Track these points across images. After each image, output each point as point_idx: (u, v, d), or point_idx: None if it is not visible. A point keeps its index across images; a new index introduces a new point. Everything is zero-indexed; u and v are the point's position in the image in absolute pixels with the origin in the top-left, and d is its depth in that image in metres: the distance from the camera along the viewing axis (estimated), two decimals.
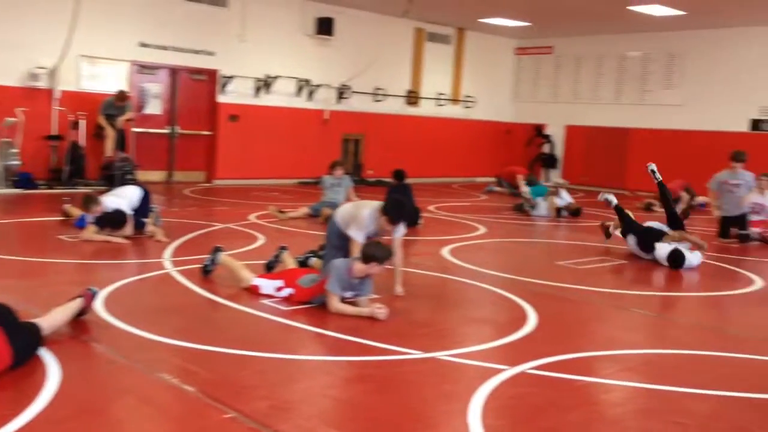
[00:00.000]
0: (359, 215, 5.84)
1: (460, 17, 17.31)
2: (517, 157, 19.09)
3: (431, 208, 12.12)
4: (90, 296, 4.75)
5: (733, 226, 10.24)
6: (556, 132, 19.42)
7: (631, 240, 8.54)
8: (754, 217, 10.50)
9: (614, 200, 9.38)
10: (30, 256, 6.91)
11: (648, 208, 13.68)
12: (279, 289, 5.64)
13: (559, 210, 12.21)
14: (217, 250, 6.29)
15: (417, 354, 4.48)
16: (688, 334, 5.52)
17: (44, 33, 12.42)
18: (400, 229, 5.93)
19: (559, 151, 19.40)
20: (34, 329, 4.07)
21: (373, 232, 5.85)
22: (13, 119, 11.90)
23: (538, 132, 19.51)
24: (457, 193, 15.70)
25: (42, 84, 12.54)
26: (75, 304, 4.61)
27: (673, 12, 14.61)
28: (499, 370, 4.19)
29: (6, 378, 3.70)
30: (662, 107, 17.38)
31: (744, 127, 16.11)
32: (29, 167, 12.18)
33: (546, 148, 19.41)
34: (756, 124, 15.97)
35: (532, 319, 5.42)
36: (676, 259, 7.85)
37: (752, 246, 9.97)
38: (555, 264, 7.93)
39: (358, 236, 5.76)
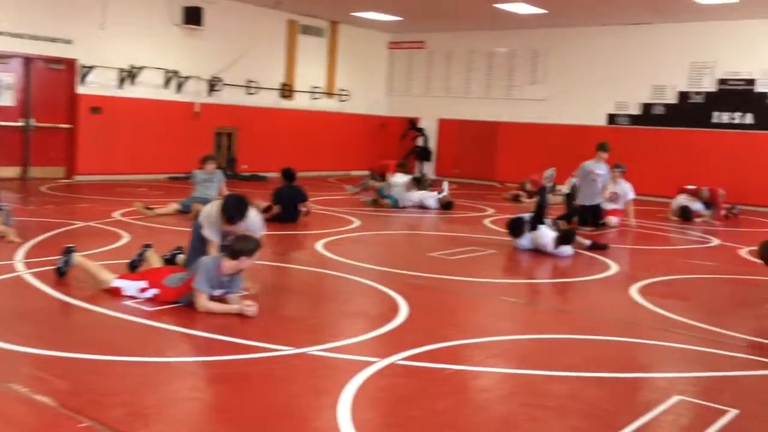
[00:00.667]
0: (211, 213, 5.70)
1: (333, 10, 17.28)
2: (392, 150, 19.33)
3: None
4: None
5: (588, 215, 10.82)
6: (429, 125, 19.84)
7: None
8: (610, 206, 11.17)
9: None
10: None
11: (515, 198, 14.26)
12: (143, 290, 5.39)
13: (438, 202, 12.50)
14: (69, 250, 5.90)
15: (287, 350, 4.41)
16: (551, 320, 5.77)
17: None
18: (242, 227, 5.58)
19: (433, 144, 19.84)
20: None
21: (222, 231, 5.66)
22: None
23: (412, 125, 19.85)
24: (333, 187, 15.69)
25: None
26: None
27: (536, 10, 15.26)
28: (370, 363, 4.20)
29: None
30: (528, 102, 18.15)
31: (602, 121, 17.10)
32: None
33: (420, 142, 19.79)
34: (612, 118, 16.99)
35: (404, 311, 5.49)
36: (566, 238, 8.26)
37: (608, 233, 10.59)
38: (427, 255, 8.08)
39: (211, 235, 5.60)
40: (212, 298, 5.21)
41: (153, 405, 3.55)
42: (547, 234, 8.33)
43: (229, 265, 5.16)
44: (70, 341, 4.40)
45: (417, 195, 12.53)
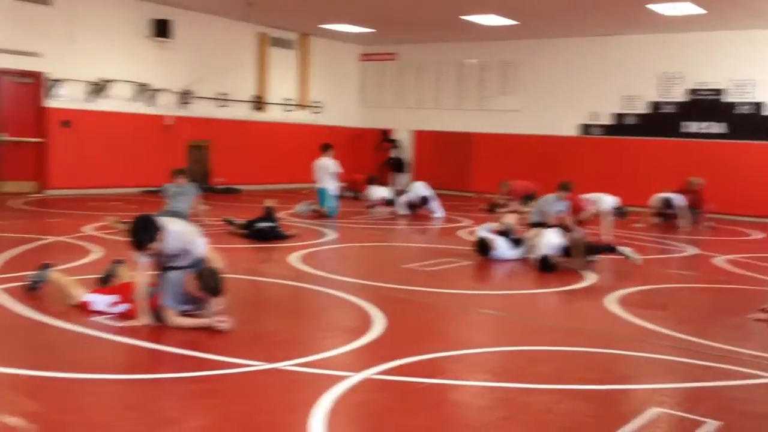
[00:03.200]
0: None
1: (303, 23, 17.27)
2: (366, 161, 19.32)
3: (281, 214, 11.96)
4: None
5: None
6: (403, 137, 19.87)
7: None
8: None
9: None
10: None
11: (492, 209, 14.25)
12: (114, 304, 5.30)
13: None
14: (46, 266, 5.82)
15: (260, 365, 4.35)
16: (527, 331, 5.75)
17: None
18: (169, 243, 5.25)
19: (408, 155, 19.86)
20: None
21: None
22: None
23: (385, 137, 19.87)
24: (307, 199, 15.60)
25: None
26: None
27: (507, 22, 15.38)
28: (345, 377, 4.15)
29: None
30: (501, 112, 18.27)
31: (574, 131, 17.25)
32: None
33: (394, 153, 19.81)
34: (585, 128, 17.15)
35: (380, 324, 5.44)
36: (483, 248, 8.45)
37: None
38: (402, 267, 8.05)
39: (137, 257, 5.22)
40: (183, 314, 5.13)
41: (123, 425, 3.47)
42: (552, 239, 8.29)
43: (192, 286, 5.09)
44: (40, 359, 4.30)
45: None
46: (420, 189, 13.36)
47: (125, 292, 5.37)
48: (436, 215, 12.92)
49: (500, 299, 6.94)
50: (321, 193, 12.75)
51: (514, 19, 15.18)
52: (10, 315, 5.28)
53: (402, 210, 12.90)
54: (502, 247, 8.64)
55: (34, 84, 13.84)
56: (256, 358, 4.45)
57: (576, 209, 10.33)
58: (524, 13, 14.59)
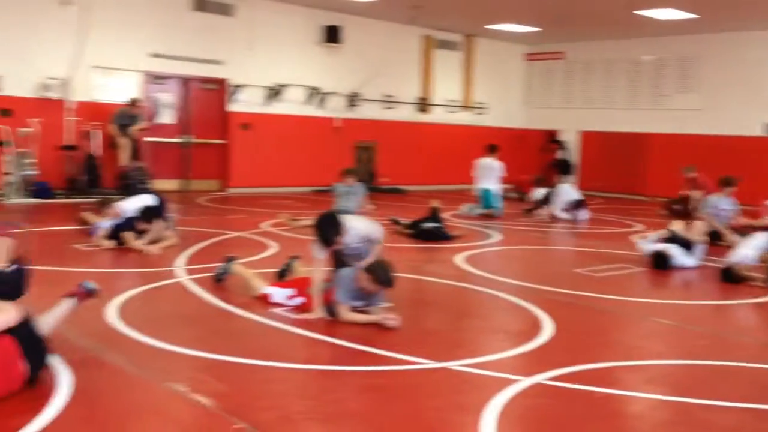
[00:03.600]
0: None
1: (468, 24, 17.26)
2: (530, 163, 18.99)
3: (446, 215, 12.06)
4: (83, 293, 4.41)
5: None
6: (569, 138, 19.30)
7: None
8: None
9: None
10: (46, 265, 6.87)
11: (678, 210, 13.24)
12: (290, 297, 5.59)
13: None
14: (231, 259, 6.27)
15: (429, 364, 4.41)
16: (708, 344, 5.39)
17: (55, 44, 12.49)
18: (351, 238, 5.60)
19: (574, 156, 19.28)
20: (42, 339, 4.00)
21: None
22: (27, 129, 11.96)
23: (551, 138, 19.40)
24: (472, 200, 15.57)
25: (54, 95, 12.59)
26: (66, 305, 4.32)
27: (686, 15, 14.49)
28: (514, 381, 4.11)
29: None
30: (679, 111, 17.23)
31: (760, 131, 15.93)
32: (46, 177, 12.24)
33: (560, 154, 19.29)
34: None
35: (549, 328, 5.33)
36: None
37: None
38: (572, 271, 7.83)
39: (316, 252, 5.48)
40: (354, 309, 5.31)
41: (301, 411, 3.66)
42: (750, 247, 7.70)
43: (365, 280, 5.25)
44: (225, 345, 4.62)
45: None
46: (571, 192, 12.84)
47: (301, 286, 5.65)
48: (580, 218, 12.32)
49: (679, 309, 6.53)
50: (485, 194, 12.69)
51: (693, 13, 14.27)
52: (199, 303, 5.72)
53: (559, 213, 12.44)
54: (678, 255, 8.14)
55: (219, 90, 14.93)
56: (425, 357, 4.51)
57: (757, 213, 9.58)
58: (705, 5, 13.67)
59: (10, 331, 3.69)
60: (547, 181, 14.39)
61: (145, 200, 8.39)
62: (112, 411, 3.57)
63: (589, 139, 18.96)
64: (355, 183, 10.72)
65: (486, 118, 19.21)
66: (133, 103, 12.96)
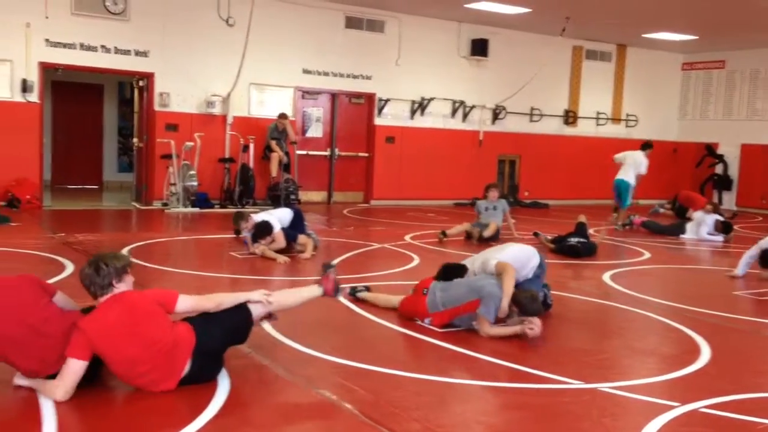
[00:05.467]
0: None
1: (622, 33, 16.66)
2: (685, 178, 18.01)
3: (591, 231, 11.69)
4: (331, 286, 4.65)
5: None
6: (729, 151, 18.10)
7: None
8: None
9: None
10: (203, 271, 7.38)
11: None
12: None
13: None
14: (357, 290, 6.16)
15: (576, 384, 4.29)
16: None
17: (218, 63, 13.37)
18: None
19: (734, 171, 18.05)
20: (240, 310, 4.13)
21: None
22: (191, 143, 12.88)
23: (709, 151, 18.29)
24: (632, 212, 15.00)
25: (217, 111, 13.49)
26: (310, 291, 4.61)
27: None
28: (669, 407, 3.91)
29: (177, 389, 3.91)
30: None
31: None
32: (205, 188, 13.12)
33: (719, 169, 18.14)
34: None
35: (705, 353, 5.03)
36: None
37: None
38: (730, 293, 7.34)
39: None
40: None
41: (446, 424, 3.67)
42: None
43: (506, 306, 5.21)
44: (371, 354, 4.73)
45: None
46: (715, 217, 11.79)
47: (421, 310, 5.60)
48: (724, 241, 11.35)
49: None
50: (622, 185, 12.21)
51: None
52: (346, 312, 5.88)
53: (704, 235, 11.47)
54: None
55: (366, 104, 15.35)
56: (572, 376, 4.40)
57: None
58: None
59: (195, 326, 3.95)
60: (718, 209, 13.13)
61: (281, 213, 8.77)
62: (266, 415, 3.76)
63: (751, 152, 17.68)
64: (497, 198, 10.64)
65: (636, 130, 18.44)
66: (282, 117, 13.61)
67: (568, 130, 17.70)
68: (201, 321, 4.00)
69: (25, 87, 11.99)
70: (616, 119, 18.29)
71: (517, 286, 5.47)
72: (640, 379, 4.49)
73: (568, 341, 5.42)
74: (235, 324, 4.10)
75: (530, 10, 14.13)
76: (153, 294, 4.02)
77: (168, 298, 3.93)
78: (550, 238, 9.79)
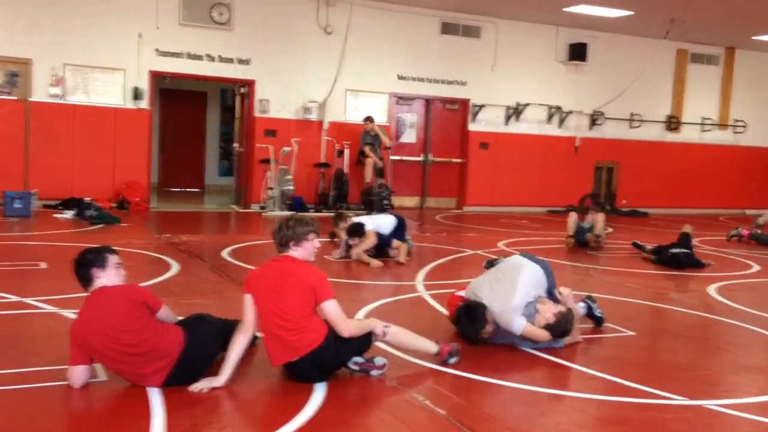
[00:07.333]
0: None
1: (731, 35, 15.94)
2: None
3: (695, 242, 11.22)
4: (448, 350, 4.56)
5: None
6: None
7: None
8: None
9: None
10: None
11: None
12: None
13: None
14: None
15: (680, 400, 4.12)
16: None
17: (316, 70, 13.68)
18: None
19: None
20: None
21: None
22: (288, 148, 13.21)
23: None
24: (725, 226, 14.32)
25: (313, 116, 13.79)
26: (425, 344, 4.53)
27: None
28: None
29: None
30: None
31: None
32: (301, 192, 13.44)
33: None
34: None
35: None
36: None
37: None
38: None
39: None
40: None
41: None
42: None
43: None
44: (464, 361, 4.68)
45: None
46: None
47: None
48: None
49: None
50: None
51: None
52: (437, 318, 5.88)
53: None
54: None
55: (460, 110, 15.32)
56: (674, 392, 4.23)
57: None
58: None
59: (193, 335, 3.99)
60: None
61: (384, 219, 8.83)
62: (362, 415, 3.82)
63: None
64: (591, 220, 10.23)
65: (744, 137, 17.60)
66: (368, 120, 13.76)
67: (671, 137, 17.06)
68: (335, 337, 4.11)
69: (137, 94, 12.64)
70: (722, 125, 17.49)
71: None
72: (749, 397, 4.27)
73: (670, 355, 5.22)
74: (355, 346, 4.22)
75: (633, 13, 13.73)
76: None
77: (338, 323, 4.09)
78: (650, 248, 9.47)
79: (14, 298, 5.73)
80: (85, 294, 3.95)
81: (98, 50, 12.32)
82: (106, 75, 12.45)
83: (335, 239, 9.12)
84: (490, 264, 6.12)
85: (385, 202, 13.43)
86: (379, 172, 13.88)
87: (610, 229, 10.51)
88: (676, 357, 5.22)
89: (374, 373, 4.27)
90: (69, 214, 10.91)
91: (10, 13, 11.79)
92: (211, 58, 13.10)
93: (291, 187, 13.06)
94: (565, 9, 13.78)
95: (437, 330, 5.56)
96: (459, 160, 15.42)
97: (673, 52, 16.83)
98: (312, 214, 13.11)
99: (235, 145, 14.63)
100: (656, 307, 6.62)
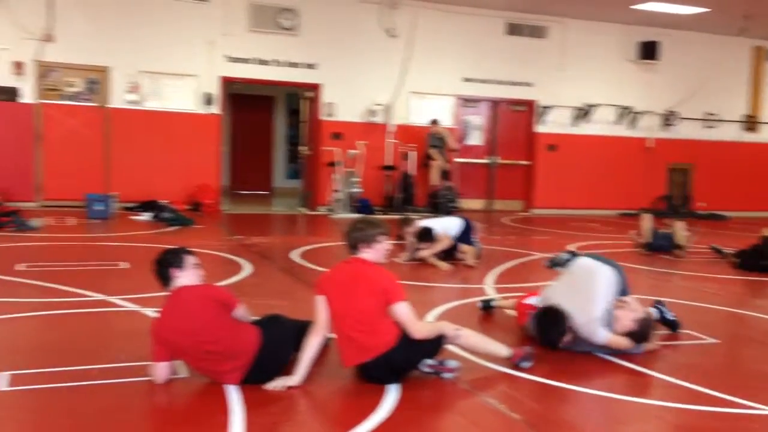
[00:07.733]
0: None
1: None
2: None
3: None
4: (521, 354, 4.49)
5: None
6: None
7: None
8: None
9: None
10: None
11: None
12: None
13: None
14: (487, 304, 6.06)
15: (766, 410, 3.95)
16: None
17: (382, 73, 13.74)
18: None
19: None
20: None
21: None
22: (355, 151, 13.30)
23: None
24: None
25: (378, 119, 13.85)
26: (497, 347, 4.48)
27: None
28: None
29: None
30: None
31: None
32: (368, 194, 13.51)
33: None
34: None
35: None
36: None
37: None
38: None
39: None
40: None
41: None
42: None
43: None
44: (538, 366, 4.60)
45: None
46: None
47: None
48: None
49: None
50: None
51: None
52: (507, 320, 5.80)
53: None
54: None
55: (527, 111, 15.13)
56: (762, 402, 4.06)
57: None
58: None
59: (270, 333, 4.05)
60: None
61: (450, 222, 8.77)
62: (435, 417, 3.79)
63: None
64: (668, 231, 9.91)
65: None
66: (433, 123, 13.72)
67: (748, 137, 16.44)
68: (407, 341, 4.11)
69: (208, 100, 12.96)
70: None
71: None
72: None
73: (756, 364, 5.01)
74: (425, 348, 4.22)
75: (707, 9, 13.30)
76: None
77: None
78: (731, 252, 9.13)
79: (99, 297, 5.93)
80: (165, 293, 4.07)
81: (171, 57, 12.68)
82: (178, 81, 12.80)
83: (403, 241, 9.11)
84: (553, 263, 6.01)
85: (451, 204, 13.37)
86: (445, 175, 13.83)
87: (690, 234, 10.16)
88: (763, 366, 5.01)
89: (447, 375, 4.25)
90: (146, 216, 11.25)
91: (88, 24, 12.25)
92: (278, 63, 13.31)
93: (358, 190, 13.14)
94: (632, 6, 13.45)
95: (508, 333, 5.50)
96: (526, 162, 15.22)
97: (749, 50, 16.22)
98: (379, 216, 13.16)
99: (303, 148, 14.83)
100: (739, 313, 6.37)
